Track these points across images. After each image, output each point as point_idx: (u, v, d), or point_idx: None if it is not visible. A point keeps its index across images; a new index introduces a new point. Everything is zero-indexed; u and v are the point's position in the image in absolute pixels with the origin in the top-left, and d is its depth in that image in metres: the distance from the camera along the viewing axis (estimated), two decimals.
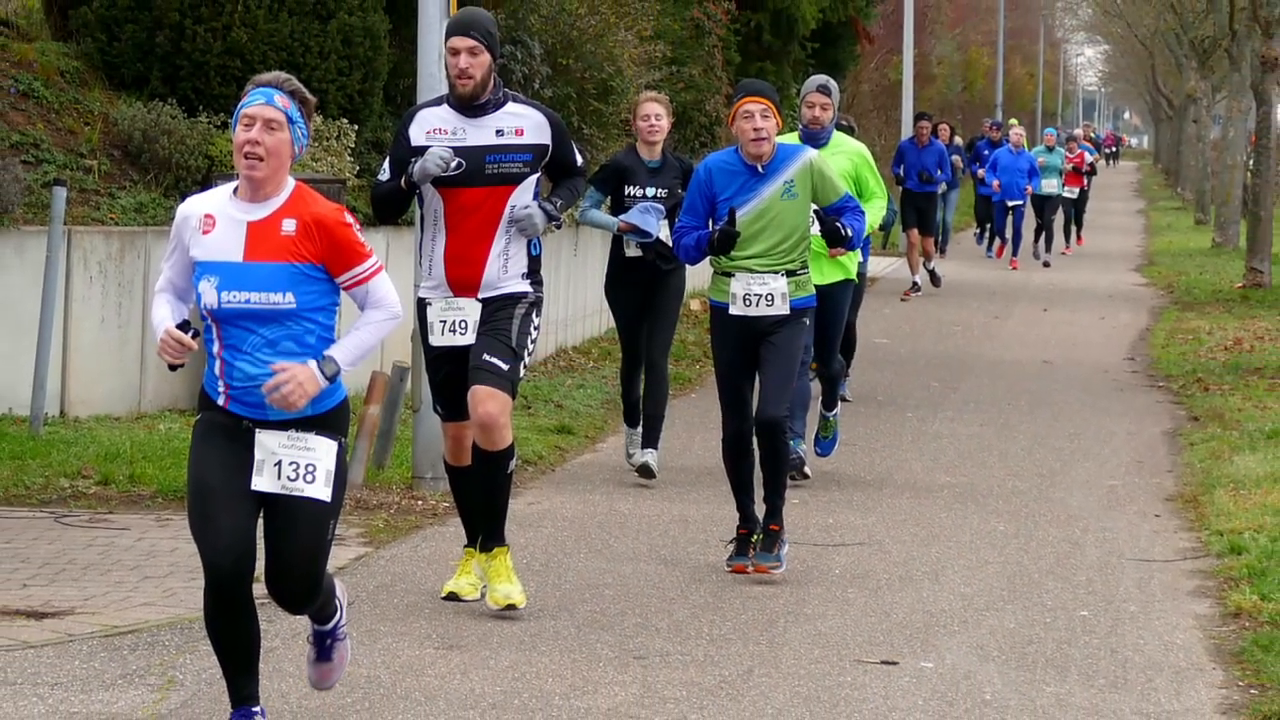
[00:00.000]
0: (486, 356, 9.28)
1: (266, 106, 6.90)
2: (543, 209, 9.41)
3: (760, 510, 10.57)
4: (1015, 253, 36.31)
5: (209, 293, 6.87)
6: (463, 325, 9.41)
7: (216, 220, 6.93)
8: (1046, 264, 36.51)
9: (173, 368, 6.98)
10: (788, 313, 10.45)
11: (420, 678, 8.24)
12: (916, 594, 10.20)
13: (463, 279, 9.39)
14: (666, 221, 12.95)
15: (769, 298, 10.43)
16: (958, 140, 39.90)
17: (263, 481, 6.89)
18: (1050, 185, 36.28)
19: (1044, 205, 36.66)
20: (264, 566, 6.99)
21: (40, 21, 18.13)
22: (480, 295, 9.40)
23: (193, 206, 7.02)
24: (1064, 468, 14.57)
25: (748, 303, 10.45)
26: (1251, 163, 36.43)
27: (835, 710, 7.98)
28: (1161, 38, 61.99)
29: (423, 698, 7.94)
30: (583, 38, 20.79)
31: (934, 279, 30.12)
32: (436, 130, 9.41)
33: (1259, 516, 12.08)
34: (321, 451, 6.93)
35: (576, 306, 21.22)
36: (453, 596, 9.66)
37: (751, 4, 31.12)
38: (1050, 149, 36.83)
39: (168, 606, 9.34)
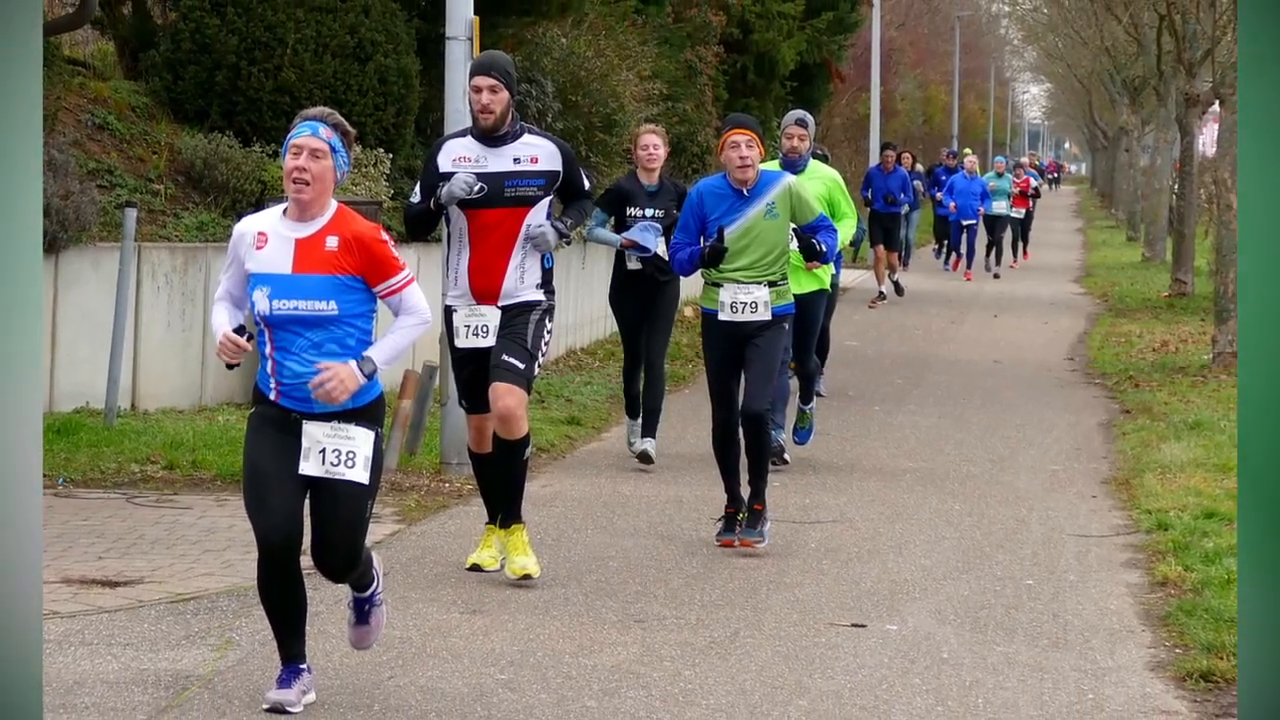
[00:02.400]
0: (505, 357, 9.27)
1: (312, 137, 6.90)
2: (554, 227, 9.40)
3: (745, 492, 10.57)
4: (969, 266, 36.30)
5: (262, 301, 6.87)
6: (484, 329, 9.40)
7: (268, 237, 6.92)
8: (997, 276, 36.48)
9: (230, 366, 6.97)
10: (770, 319, 10.45)
11: (447, 638, 8.24)
12: (882, 565, 10.19)
13: (485, 289, 9.38)
14: (663, 238, 12.95)
15: (753, 305, 10.42)
16: (919, 167, 39.87)
17: (309, 466, 6.89)
18: (1000, 207, 36.28)
19: (994, 224, 36.66)
20: (310, 541, 6.99)
21: (114, 63, 18.16)
22: (500, 303, 9.39)
23: (248, 225, 7.02)
24: (1012, 454, 14.56)
25: (735, 310, 10.43)
26: (1176, 187, 36.41)
27: (811, 667, 7.97)
28: (1097, 77, 61.80)
29: (449, 656, 7.94)
30: (590, 77, 20.78)
31: (898, 289, 30.13)
32: (461, 158, 9.39)
33: (1183, 497, 12.08)
34: (361, 440, 6.92)
35: (584, 313, 21.20)
36: (475, 567, 9.65)
37: (738, 48, 31.11)
38: (1000, 175, 36.82)
39: (225, 576, 9.34)
